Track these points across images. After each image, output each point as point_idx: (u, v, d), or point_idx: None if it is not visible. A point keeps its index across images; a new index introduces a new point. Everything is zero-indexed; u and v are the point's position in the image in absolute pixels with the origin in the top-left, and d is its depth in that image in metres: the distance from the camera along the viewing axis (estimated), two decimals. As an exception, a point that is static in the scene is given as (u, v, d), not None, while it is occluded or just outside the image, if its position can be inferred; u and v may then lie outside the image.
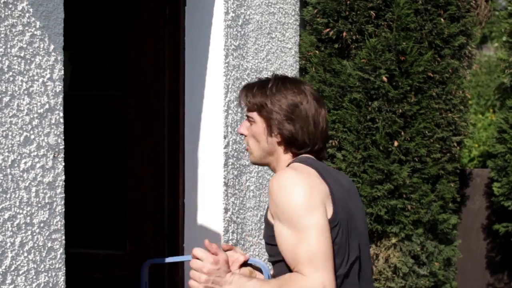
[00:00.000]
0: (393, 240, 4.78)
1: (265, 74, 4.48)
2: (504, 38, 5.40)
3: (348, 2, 4.72)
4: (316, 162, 2.56)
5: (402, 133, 4.72)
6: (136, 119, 4.12)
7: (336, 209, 2.43)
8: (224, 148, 4.05)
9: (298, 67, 4.93)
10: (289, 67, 4.81)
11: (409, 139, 4.74)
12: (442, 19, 4.80)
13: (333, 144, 4.78)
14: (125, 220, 4.18)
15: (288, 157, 2.59)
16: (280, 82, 2.63)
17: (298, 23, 4.94)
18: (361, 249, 2.53)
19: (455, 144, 5.02)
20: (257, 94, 2.61)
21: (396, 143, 4.71)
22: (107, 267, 4.21)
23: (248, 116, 2.66)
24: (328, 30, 4.80)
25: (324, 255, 2.33)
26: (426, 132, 4.79)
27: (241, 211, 4.24)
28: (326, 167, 2.59)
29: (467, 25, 4.99)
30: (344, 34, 4.76)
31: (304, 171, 2.46)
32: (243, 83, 4.22)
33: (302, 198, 2.37)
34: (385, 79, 4.65)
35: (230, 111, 4.08)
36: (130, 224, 4.16)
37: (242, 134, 2.69)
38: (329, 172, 2.55)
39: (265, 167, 4.49)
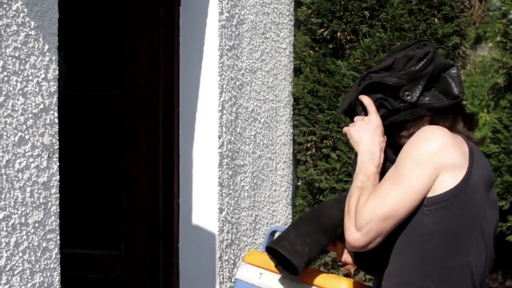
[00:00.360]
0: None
1: (260, 74, 4.48)
2: (498, 38, 5.41)
3: (342, 2, 4.73)
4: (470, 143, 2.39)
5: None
6: (131, 119, 4.12)
7: (461, 187, 2.25)
8: (219, 148, 4.05)
9: (292, 67, 4.93)
10: (284, 67, 4.82)
11: (403, 139, 4.75)
12: (436, 19, 4.81)
13: (328, 144, 4.79)
14: (120, 220, 4.18)
15: None
16: None
17: (292, 23, 4.95)
18: (479, 253, 2.31)
19: (449, 144, 5.02)
20: None
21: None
22: (102, 267, 4.20)
23: None
24: (322, 30, 4.81)
25: (391, 212, 2.23)
26: (421, 132, 4.79)
27: (236, 211, 4.24)
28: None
29: (461, 25, 5.00)
30: (338, 34, 4.77)
31: (455, 137, 2.32)
32: (237, 84, 4.23)
33: (427, 151, 2.25)
34: (379, 79, 4.65)
35: (224, 111, 4.09)
36: (125, 224, 4.16)
37: None
38: (482, 157, 2.39)
39: (260, 167, 4.50)
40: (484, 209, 2.34)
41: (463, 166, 2.27)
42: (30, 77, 2.68)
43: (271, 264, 2.71)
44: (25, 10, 2.63)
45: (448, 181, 2.25)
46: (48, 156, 2.77)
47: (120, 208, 4.17)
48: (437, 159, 2.25)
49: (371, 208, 2.25)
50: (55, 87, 2.79)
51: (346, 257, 2.66)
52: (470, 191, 2.27)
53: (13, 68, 2.60)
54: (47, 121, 2.76)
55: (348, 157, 4.71)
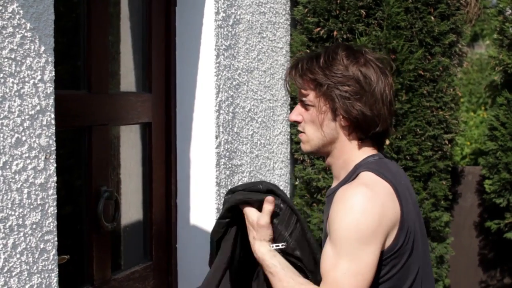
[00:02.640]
0: (386, 238, 4.78)
1: (256, 74, 4.49)
2: (495, 36, 5.42)
3: (339, 1, 4.74)
4: (386, 165, 2.26)
5: (394, 131, 4.73)
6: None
7: (399, 236, 2.15)
8: (216, 148, 4.05)
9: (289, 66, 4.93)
10: (280, 66, 4.82)
11: (400, 137, 4.76)
12: (432, 17, 4.82)
13: (325, 143, 4.79)
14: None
15: (354, 144, 2.27)
16: (335, 52, 2.24)
17: (289, 23, 4.95)
18: (421, 263, 2.24)
19: (447, 142, 5.04)
20: (310, 69, 2.27)
21: (387, 141, 4.72)
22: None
23: (302, 100, 2.30)
24: (318, 29, 4.82)
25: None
26: (418, 130, 4.80)
27: (234, 210, 4.24)
28: (393, 169, 2.28)
29: (457, 23, 5.01)
30: (335, 33, 4.77)
31: (378, 190, 2.14)
32: (234, 83, 4.23)
33: (364, 228, 2.08)
34: (376, 77, 4.65)
35: (221, 111, 4.09)
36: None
37: (295, 122, 2.34)
38: (398, 178, 2.24)
39: (257, 167, 4.50)
40: (417, 222, 2.26)
41: (398, 214, 2.15)
42: (27, 79, 2.68)
43: None
44: (21, 12, 2.63)
45: (391, 235, 2.15)
46: (45, 158, 2.77)
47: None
48: (382, 228, 2.11)
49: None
50: (51, 88, 2.79)
51: None
52: (406, 230, 2.17)
53: (9, 70, 2.60)
54: (44, 123, 2.76)
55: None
